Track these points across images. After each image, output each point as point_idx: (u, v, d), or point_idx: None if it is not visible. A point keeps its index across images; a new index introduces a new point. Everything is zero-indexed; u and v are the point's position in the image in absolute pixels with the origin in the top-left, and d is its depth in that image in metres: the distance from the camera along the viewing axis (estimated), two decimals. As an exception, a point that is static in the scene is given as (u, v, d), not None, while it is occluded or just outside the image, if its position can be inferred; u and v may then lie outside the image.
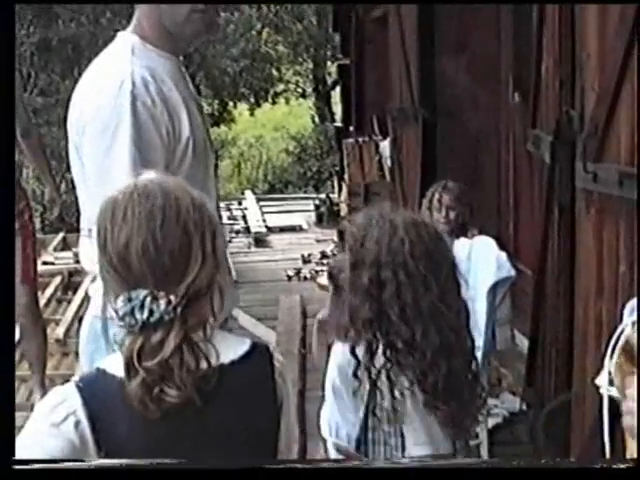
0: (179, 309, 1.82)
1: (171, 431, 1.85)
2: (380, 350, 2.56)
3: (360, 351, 2.58)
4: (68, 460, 1.75)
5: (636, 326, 2.34)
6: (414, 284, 2.54)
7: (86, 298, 3.22)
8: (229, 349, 1.93)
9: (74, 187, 2.95)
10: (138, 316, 1.81)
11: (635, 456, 1.83)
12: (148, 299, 1.81)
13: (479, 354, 4.23)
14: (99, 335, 2.80)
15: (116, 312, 1.84)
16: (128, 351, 1.82)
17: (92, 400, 1.84)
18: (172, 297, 1.82)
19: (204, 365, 1.85)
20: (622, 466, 1.57)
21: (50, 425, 1.84)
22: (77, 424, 1.83)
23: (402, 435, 2.61)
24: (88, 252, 2.91)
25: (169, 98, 2.84)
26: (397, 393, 2.56)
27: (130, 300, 1.82)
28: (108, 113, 2.76)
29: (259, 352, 1.99)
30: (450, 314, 2.58)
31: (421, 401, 2.57)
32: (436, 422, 2.58)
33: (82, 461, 1.77)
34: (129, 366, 1.81)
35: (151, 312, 1.81)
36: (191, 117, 2.88)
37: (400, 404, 2.56)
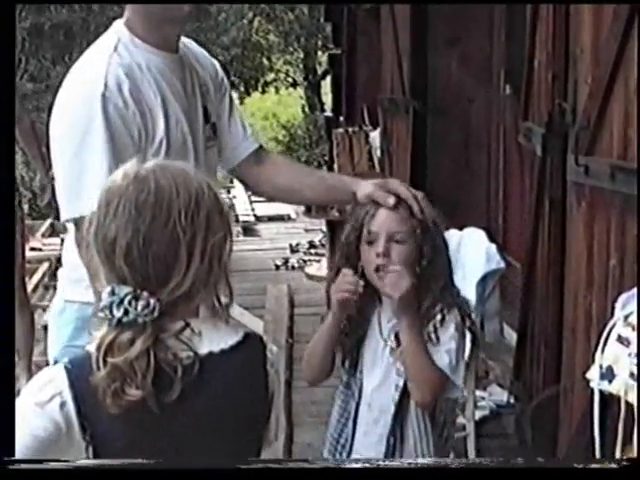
0: (156, 313, 1.81)
1: (157, 417, 1.84)
2: None
3: None
4: (67, 460, 1.75)
5: (628, 320, 2.34)
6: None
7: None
8: (220, 338, 1.92)
9: None
10: (115, 312, 1.81)
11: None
12: (128, 298, 1.81)
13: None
14: (69, 320, 2.81)
15: (100, 301, 1.85)
16: (99, 343, 1.83)
17: (79, 382, 1.84)
18: (152, 300, 1.81)
19: (185, 355, 1.85)
20: (622, 465, 1.57)
21: (35, 404, 1.83)
22: (62, 405, 1.83)
23: None
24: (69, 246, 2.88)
25: (144, 97, 2.76)
26: None
27: (113, 294, 1.82)
28: (78, 113, 2.70)
29: (251, 342, 1.98)
30: None
31: None
32: None
33: (82, 461, 1.78)
34: (97, 357, 1.82)
35: (126, 312, 1.81)
36: (168, 117, 2.80)
37: None
